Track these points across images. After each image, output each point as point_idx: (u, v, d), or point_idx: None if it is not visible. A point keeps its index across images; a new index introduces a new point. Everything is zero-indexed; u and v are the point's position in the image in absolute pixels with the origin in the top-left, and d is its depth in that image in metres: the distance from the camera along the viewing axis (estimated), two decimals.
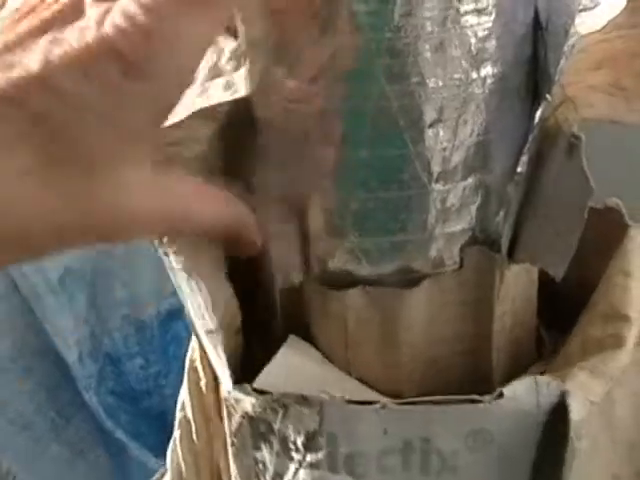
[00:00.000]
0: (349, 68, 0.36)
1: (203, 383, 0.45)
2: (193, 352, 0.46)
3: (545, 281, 0.42)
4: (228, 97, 0.39)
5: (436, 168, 0.38)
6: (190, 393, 0.45)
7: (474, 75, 0.37)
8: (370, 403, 0.37)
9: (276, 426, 0.37)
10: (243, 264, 0.41)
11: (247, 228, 0.38)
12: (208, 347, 0.40)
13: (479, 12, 0.36)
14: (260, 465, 0.39)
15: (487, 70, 0.37)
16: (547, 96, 0.38)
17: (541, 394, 0.37)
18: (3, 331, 0.89)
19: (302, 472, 0.38)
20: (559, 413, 0.37)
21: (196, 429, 0.46)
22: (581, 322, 0.42)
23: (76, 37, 0.30)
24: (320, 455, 0.38)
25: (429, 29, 0.36)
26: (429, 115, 0.37)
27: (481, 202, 0.39)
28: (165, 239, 0.38)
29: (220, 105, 0.39)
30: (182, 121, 0.38)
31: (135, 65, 0.30)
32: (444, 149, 0.38)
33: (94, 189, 0.31)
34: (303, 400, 0.36)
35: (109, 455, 0.97)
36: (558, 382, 0.37)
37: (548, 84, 0.38)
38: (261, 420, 0.37)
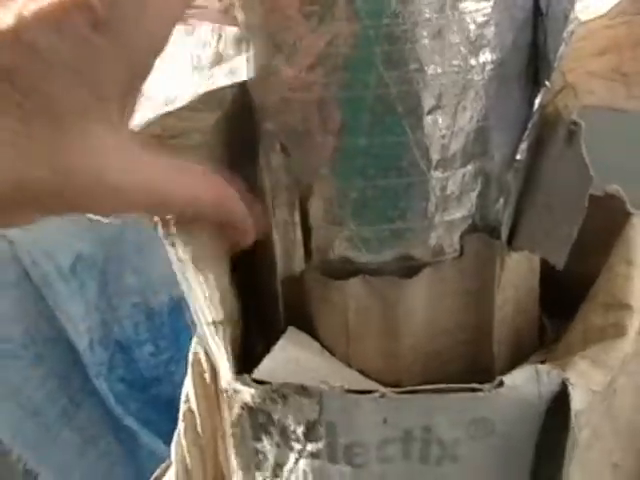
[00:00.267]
0: (347, 56, 0.36)
1: (207, 375, 0.45)
2: (196, 345, 0.46)
3: (547, 269, 0.42)
4: (229, 81, 0.39)
5: (435, 155, 0.37)
6: (194, 385, 0.45)
7: (473, 62, 0.37)
8: (369, 392, 0.36)
9: (276, 416, 0.37)
10: (244, 254, 0.41)
11: (235, 213, 0.38)
12: (209, 339, 0.40)
13: None
14: (260, 456, 0.39)
15: (486, 56, 0.37)
16: (546, 82, 0.38)
17: (542, 383, 0.37)
18: (15, 318, 0.89)
19: (302, 462, 0.38)
20: (560, 402, 0.37)
21: (201, 421, 0.46)
22: (582, 311, 0.42)
23: None
24: (320, 445, 0.37)
25: (427, 15, 0.35)
26: (428, 102, 0.37)
27: (481, 189, 0.39)
28: (173, 229, 0.39)
29: (224, 93, 0.39)
30: (185, 112, 0.38)
31: (104, 19, 0.31)
32: (443, 136, 0.37)
33: (66, 145, 0.31)
34: (302, 390, 0.36)
35: (119, 442, 0.98)
36: (559, 371, 0.37)
37: (547, 70, 0.38)
38: (260, 411, 0.37)
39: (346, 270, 0.39)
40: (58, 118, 0.31)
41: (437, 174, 0.38)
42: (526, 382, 0.37)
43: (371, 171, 0.38)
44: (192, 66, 0.40)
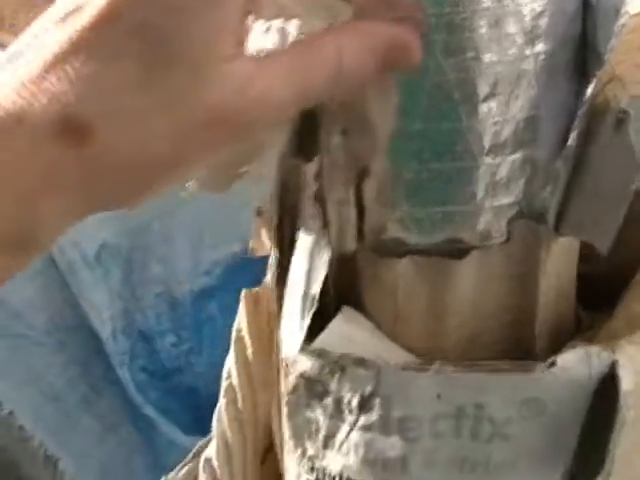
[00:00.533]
0: None
1: (250, 352, 0.46)
2: (240, 322, 0.47)
3: (580, 263, 0.43)
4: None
5: (487, 142, 0.39)
6: (237, 361, 0.47)
7: (527, 51, 0.38)
8: (426, 368, 0.38)
9: (332, 387, 0.38)
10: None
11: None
12: (289, 310, 0.41)
13: None
14: (313, 426, 0.40)
15: (540, 47, 0.38)
16: (595, 74, 0.39)
17: (592, 364, 0.38)
18: (40, 305, 0.90)
19: (354, 434, 0.39)
20: (609, 383, 0.38)
21: (242, 396, 0.47)
22: (625, 299, 0.43)
23: None
24: (373, 417, 0.39)
25: (486, 4, 0.37)
26: (483, 89, 0.38)
27: (528, 176, 0.40)
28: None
29: None
30: None
31: None
32: (495, 123, 0.38)
33: (206, 83, 0.32)
34: (361, 362, 0.37)
35: (138, 431, 0.98)
36: (609, 352, 0.38)
37: (598, 62, 0.39)
38: (317, 381, 0.39)
39: (397, 251, 0.41)
40: (188, 60, 0.31)
41: (488, 160, 0.39)
42: (577, 363, 0.38)
43: (426, 155, 0.39)
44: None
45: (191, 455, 0.53)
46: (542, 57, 0.38)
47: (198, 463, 0.50)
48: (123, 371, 0.93)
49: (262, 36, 0.40)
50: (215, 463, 0.48)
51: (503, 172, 0.39)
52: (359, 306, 0.42)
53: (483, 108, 0.38)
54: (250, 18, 0.35)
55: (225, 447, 0.48)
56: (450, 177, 0.39)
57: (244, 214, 0.88)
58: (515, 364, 0.38)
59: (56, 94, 0.30)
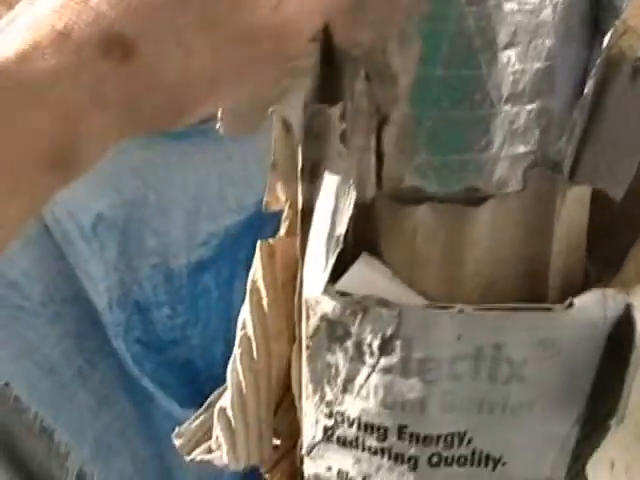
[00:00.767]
0: None
1: (265, 302, 0.47)
2: (255, 272, 0.47)
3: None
4: None
5: (505, 90, 0.39)
6: (252, 312, 0.47)
7: (547, 1, 0.38)
8: (449, 306, 0.38)
9: (353, 329, 0.39)
10: None
11: None
12: (312, 253, 0.41)
13: None
14: (332, 370, 0.41)
15: None
16: (610, 27, 0.39)
17: (608, 306, 0.39)
18: (35, 276, 0.90)
19: (374, 376, 0.40)
20: (623, 327, 0.39)
21: (257, 346, 0.47)
22: (633, 253, 0.44)
23: None
24: (394, 359, 0.39)
25: None
26: (503, 38, 0.38)
27: (545, 126, 0.41)
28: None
29: None
30: None
31: None
32: (514, 72, 0.39)
33: (242, 1, 0.33)
34: (383, 303, 0.38)
35: (134, 404, 0.98)
36: (624, 295, 0.39)
37: (614, 14, 0.40)
38: (339, 323, 0.39)
39: (415, 198, 0.41)
40: None
41: (506, 108, 0.40)
42: (594, 305, 0.39)
43: (445, 102, 0.39)
44: None
45: (205, 406, 0.53)
46: (560, 7, 0.39)
47: (212, 414, 0.50)
48: (118, 342, 0.93)
49: None
50: (230, 413, 0.48)
51: (520, 121, 0.40)
52: (376, 253, 0.42)
53: (502, 57, 0.39)
54: None
55: (240, 396, 0.48)
56: (468, 125, 0.40)
57: (242, 185, 0.88)
58: (534, 305, 0.39)
59: (100, 13, 0.31)
